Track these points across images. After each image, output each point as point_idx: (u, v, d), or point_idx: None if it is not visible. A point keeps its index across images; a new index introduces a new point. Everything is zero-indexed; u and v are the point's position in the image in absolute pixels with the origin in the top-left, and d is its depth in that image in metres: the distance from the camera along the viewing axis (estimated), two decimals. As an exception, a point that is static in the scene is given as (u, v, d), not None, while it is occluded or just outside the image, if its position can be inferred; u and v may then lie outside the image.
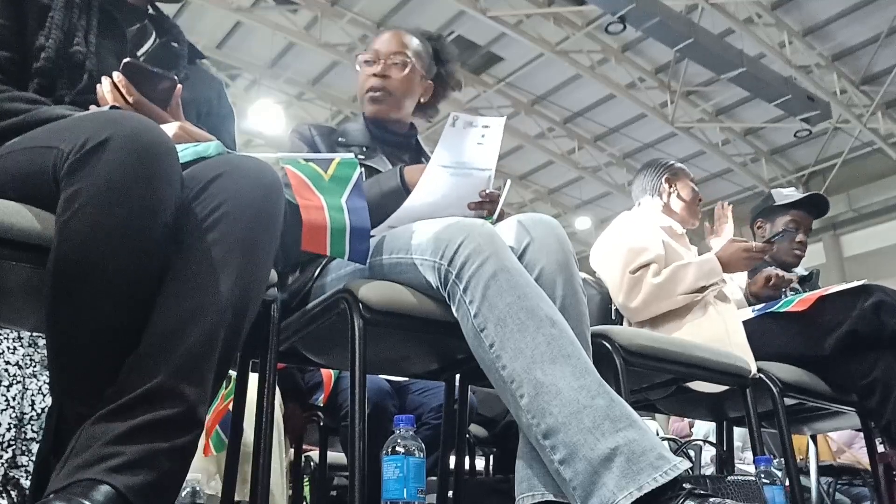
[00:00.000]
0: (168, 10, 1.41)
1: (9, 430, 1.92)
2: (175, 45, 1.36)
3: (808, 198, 2.56)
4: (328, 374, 2.47)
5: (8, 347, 1.98)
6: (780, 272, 2.37)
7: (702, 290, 2.00)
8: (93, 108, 1.13)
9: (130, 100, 1.13)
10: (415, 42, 1.73)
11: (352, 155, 1.25)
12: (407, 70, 1.68)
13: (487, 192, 1.45)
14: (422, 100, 1.76)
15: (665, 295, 1.98)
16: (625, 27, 7.39)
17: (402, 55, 1.68)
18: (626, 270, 2.00)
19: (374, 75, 1.67)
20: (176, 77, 1.18)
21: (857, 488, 3.61)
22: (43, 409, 1.99)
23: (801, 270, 2.57)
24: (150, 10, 1.36)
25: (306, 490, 3.08)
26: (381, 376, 2.37)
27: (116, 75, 1.13)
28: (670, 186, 2.32)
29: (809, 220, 2.57)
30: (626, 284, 1.99)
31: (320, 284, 1.45)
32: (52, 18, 1.18)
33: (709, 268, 2.03)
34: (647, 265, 2.00)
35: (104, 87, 1.14)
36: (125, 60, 1.14)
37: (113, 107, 1.11)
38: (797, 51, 8.21)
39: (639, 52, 8.72)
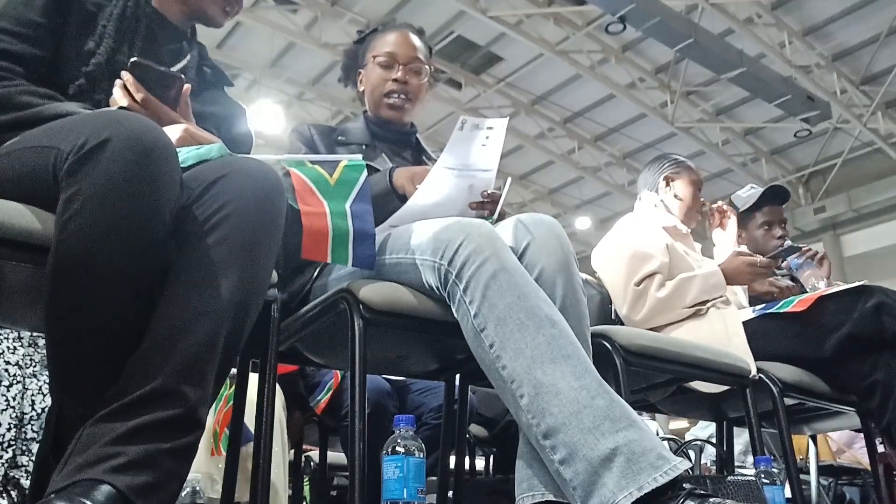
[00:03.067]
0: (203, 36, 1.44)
1: (9, 430, 1.92)
2: (207, 70, 1.39)
3: (765, 195, 2.58)
4: (336, 376, 2.46)
5: (8, 347, 1.98)
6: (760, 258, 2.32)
7: (704, 302, 2.01)
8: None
9: (138, 97, 1.13)
10: (423, 45, 1.74)
11: (359, 157, 1.25)
12: (423, 77, 1.71)
13: (489, 192, 1.45)
14: (424, 101, 1.76)
15: (669, 308, 1.99)
16: (625, 27, 7.39)
17: (419, 61, 1.70)
18: (631, 281, 2.00)
19: (395, 80, 1.68)
20: (183, 76, 1.19)
21: (857, 488, 3.62)
22: (43, 409, 1.99)
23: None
24: (189, 34, 1.39)
25: (306, 490, 3.08)
26: (381, 376, 2.37)
27: (124, 74, 1.14)
28: (668, 185, 2.32)
29: (778, 212, 2.59)
30: (631, 297, 1.99)
31: (320, 284, 1.45)
32: (106, 28, 1.22)
33: (714, 282, 2.03)
34: (651, 275, 1.99)
35: (114, 90, 1.15)
36: (132, 60, 1.15)
37: (121, 107, 1.11)
38: (797, 51, 8.21)
39: (639, 52, 8.73)
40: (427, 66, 1.72)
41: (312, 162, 1.21)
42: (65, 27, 1.21)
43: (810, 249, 2.40)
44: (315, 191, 1.19)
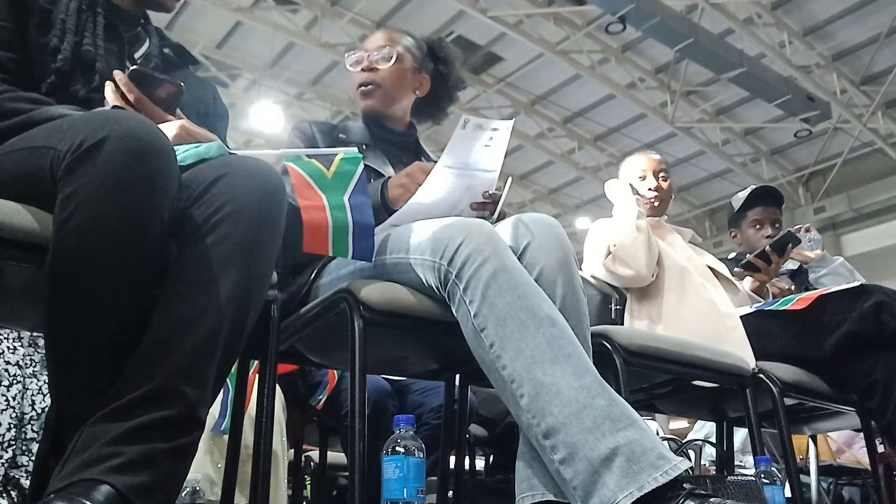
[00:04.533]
0: (161, 18, 1.43)
1: (9, 430, 1.91)
2: (168, 51, 1.38)
3: (754, 196, 2.61)
4: (332, 375, 2.47)
5: (8, 347, 1.98)
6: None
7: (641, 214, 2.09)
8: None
9: (131, 98, 1.13)
10: (404, 38, 1.73)
11: (354, 149, 1.24)
12: (393, 61, 1.68)
13: (490, 192, 1.45)
14: (417, 93, 1.75)
15: (629, 242, 2.02)
16: (625, 27, 7.39)
17: (389, 48, 1.69)
18: (603, 264, 2.07)
19: (363, 70, 1.69)
20: (182, 84, 1.19)
21: (857, 488, 3.62)
22: (43, 409, 1.99)
23: (790, 265, 2.58)
24: (143, 19, 1.38)
25: (306, 490, 3.08)
26: (381, 376, 2.37)
27: (118, 74, 1.14)
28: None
29: (770, 212, 2.61)
30: (608, 270, 2.06)
31: (320, 284, 1.45)
32: (65, 22, 1.22)
33: (613, 191, 2.20)
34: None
35: (106, 91, 1.15)
36: (132, 68, 1.16)
37: (115, 107, 1.11)
38: (797, 51, 8.21)
39: (639, 52, 8.72)
40: (400, 52, 1.69)
41: (309, 156, 1.21)
42: (25, 27, 1.21)
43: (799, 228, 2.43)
44: (313, 184, 1.18)
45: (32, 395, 1.99)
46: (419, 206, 1.38)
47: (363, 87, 1.69)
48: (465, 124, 1.34)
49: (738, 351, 1.85)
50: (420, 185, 1.39)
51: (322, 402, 2.45)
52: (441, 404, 2.20)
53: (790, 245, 2.30)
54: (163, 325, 0.87)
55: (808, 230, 2.43)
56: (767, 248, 2.26)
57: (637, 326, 2.02)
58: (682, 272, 2.03)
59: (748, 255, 2.35)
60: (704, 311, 1.96)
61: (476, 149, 1.38)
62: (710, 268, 2.13)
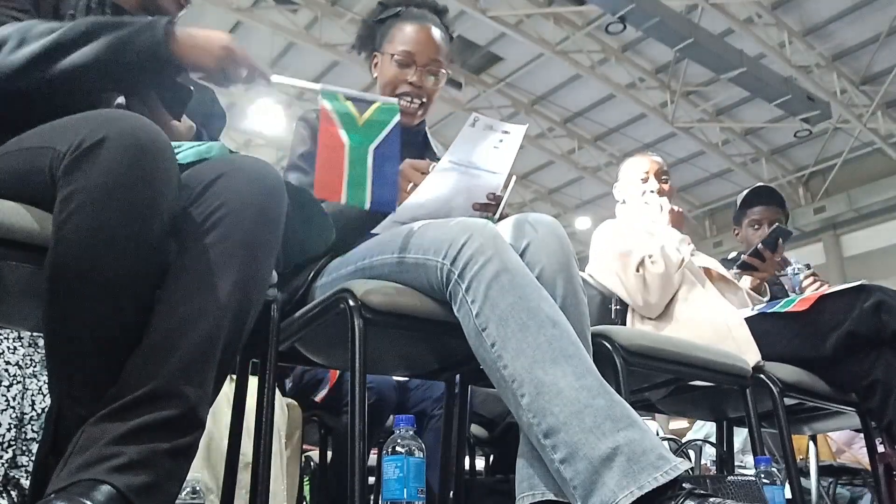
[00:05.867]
0: None
1: (9, 430, 1.91)
2: None
3: (754, 194, 2.61)
4: (333, 373, 2.47)
5: (8, 347, 1.98)
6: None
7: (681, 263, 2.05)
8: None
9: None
10: (444, 44, 1.65)
11: (395, 100, 1.20)
12: (441, 79, 1.64)
13: (496, 194, 1.45)
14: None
15: (669, 279, 2.00)
16: (625, 27, 7.40)
17: (437, 63, 1.62)
18: (629, 273, 2.01)
19: (410, 83, 1.60)
20: (192, 88, 1.19)
21: (857, 488, 3.62)
22: (43, 409, 1.99)
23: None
24: None
25: (306, 490, 3.08)
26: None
27: None
28: (618, 189, 2.39)
29: (770, 212, 2.60)
30: (636, 285, 2.01)
31: (320, 284, 1.45)
32: (74, 17, 1.20)
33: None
34: (642, 261, 2.02)
35: None
36: None
37: (116, 106, 1.11)
38: (797, 51, 8.22)
39: (639, 52, 8.73)
40: (444, 70, 1.64)
41: (347, 97, 1.16)
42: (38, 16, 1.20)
43: (809, 269, 2.40)
44: (339, 126, 1.14)
45: (32, 395, 1.99)
46: (423, 202, 1.37)
47: (405, 101, 1.60)
48: (475, 122, 1.32)
49: (744, 347, 1.85)
50: (411, 183, 1.38)
51: (323, 395, 2.45)
52: (444, 393, 2.21)
53: (780, 240, 2.32)
54: (163, 324, 0.87)
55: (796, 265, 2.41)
56: (759, 245, 2.30)
57: (639, 328, 2.02)
58: (685, 275, 2.04)
59: (742, 254, 2.36)
60: (707, 312, 1.97)
61: (484, 148, 1.37)
62: (707, 268, 2.14)
